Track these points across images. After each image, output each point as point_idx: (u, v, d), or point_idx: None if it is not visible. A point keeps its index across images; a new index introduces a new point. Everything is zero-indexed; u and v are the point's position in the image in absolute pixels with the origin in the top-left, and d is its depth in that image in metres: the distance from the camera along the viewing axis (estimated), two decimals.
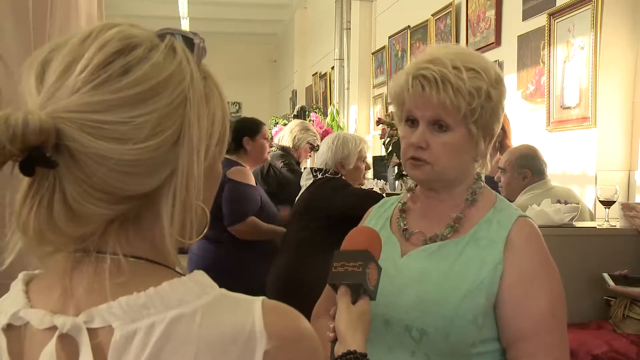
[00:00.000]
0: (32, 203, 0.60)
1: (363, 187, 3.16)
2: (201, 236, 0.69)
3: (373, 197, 2.73)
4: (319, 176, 2.84)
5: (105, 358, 0.60)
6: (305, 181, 2.94)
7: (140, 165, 0.61)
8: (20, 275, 0.70)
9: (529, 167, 2.83)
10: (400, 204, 1.30)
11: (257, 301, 0.64)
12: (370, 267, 1.00)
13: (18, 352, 0.65)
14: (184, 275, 0.65)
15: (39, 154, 0.57)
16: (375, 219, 1.32)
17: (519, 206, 2.51)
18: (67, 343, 0.61)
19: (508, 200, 1.28)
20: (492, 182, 3.07)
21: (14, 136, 0.55)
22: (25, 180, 0.60)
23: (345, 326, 0.96)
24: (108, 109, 0.59)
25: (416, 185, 1.29)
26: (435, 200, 1.23)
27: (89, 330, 0.61)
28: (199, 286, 0.64)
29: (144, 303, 0.61)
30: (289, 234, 2.90)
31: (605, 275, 2.18)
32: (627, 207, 2.35)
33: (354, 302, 0.99)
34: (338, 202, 2.69)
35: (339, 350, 0.95)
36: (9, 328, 0.65)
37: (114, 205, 0.62)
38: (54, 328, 0.62)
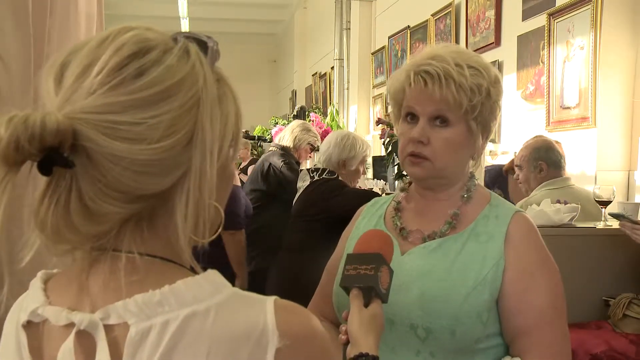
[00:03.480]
0: (49, 202, 0.62)
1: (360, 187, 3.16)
2: (215, 235, 0.71)
3: (371, 197, 2.73)
4: (316, 177, 2.84)
5: (120, 353, 0.62)
6: (303, 182, 2.94)
7: (154, 165, 0.63)
8: (39, 274, 0.72)
9: (543, 159, 2.76)
10: (394, 202, 1.29)
11: (270, 300, 0.66)
12: (383, 270, 1.01)
13: (37, 347, 0.67)
14: (198, 274, 0.67)
15: (57, 154, 0.59)
16: (367, 218, 1.32)
17: (533, 201, 2.50)
18: (85, 339, 0.64)
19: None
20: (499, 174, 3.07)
21: (32, 136, 0.57)
22: (43, 180, 0.62)
23: (358, 328, 0.97)
24: (123, 110, 0.61)
25: (409, 185, 1.29)
26: (431, 199, 1.23)
27: (105, 326, 0.63)
28: (213, 285, 0.65)
29: (159, 300, 0.63)
30: (288, 235, 2.91)
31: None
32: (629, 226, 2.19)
33: (366, 305, 0.99)
34: (336, 202, 2.70)
35: (351, 352, 0.95)
36: (28, 325, 0.68)
37: (128, 204, 0.64)
38: (71, 325, 0.64)
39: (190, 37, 0.68)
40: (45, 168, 0.60)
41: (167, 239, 0.67)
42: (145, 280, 0.64)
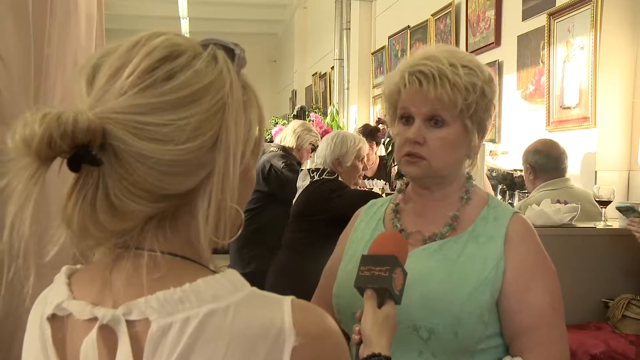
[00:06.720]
0: (77, 198, 0.65)
1: (360, 187, 3.16)
2: (235, 237, 0.73)
3: (370, 199, 2.73)
4: (316, 177, 2.84)
5: (141, 349, 0.64)
6: (303, 182, 2.94)
7: (179, 166, 0.65)
8: (63, 269, 0.75)
9: (530, 162, 2.81)
10: (392, 204, 1.30)
11: (287, 299, 0.68)
12: (397, 272, 1.02)
13: (61, 340, 0.70)
14: (218, 273, 0.69)
15: (86, 152, 0.62)
16: (365, 220, 1.32)
17: (532, 201, 2.52)
18: (107, 333, 0.66)
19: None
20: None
21: (64, 133, 0.60)
22: (72, 177, 0.65)
23: (371, 329, 0.98)
24: (152, 111, 0.64)
25: (406, 186, 1.29)
26: (429, 200, 1.23)
27: (127, 322, 0.65)
28: (232, 284, 0.67)
29: (180, 298, 0.64)
30: (288, 235, 2.91)
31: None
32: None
33: (379, 305, 1.00)
34: (336, 203, 2.70)
35: (364, 352, 0.96)
36: (53, 318, 0.71)
37: (153, 203, 0.66)
38: (94, 319, 0.66)
39: (218, 43, 0.70)
40: (74, 165, 0.62)
41: (188, 239, 0.69)
42: (166, 278, 0.66)
